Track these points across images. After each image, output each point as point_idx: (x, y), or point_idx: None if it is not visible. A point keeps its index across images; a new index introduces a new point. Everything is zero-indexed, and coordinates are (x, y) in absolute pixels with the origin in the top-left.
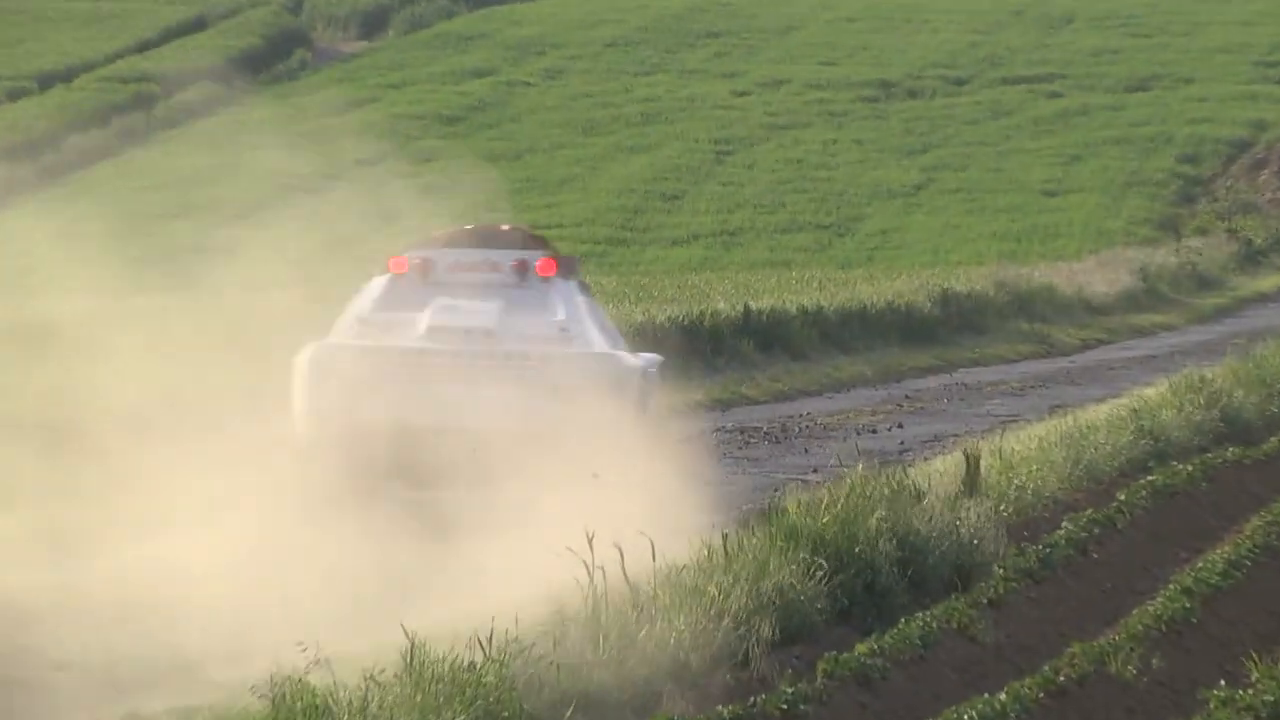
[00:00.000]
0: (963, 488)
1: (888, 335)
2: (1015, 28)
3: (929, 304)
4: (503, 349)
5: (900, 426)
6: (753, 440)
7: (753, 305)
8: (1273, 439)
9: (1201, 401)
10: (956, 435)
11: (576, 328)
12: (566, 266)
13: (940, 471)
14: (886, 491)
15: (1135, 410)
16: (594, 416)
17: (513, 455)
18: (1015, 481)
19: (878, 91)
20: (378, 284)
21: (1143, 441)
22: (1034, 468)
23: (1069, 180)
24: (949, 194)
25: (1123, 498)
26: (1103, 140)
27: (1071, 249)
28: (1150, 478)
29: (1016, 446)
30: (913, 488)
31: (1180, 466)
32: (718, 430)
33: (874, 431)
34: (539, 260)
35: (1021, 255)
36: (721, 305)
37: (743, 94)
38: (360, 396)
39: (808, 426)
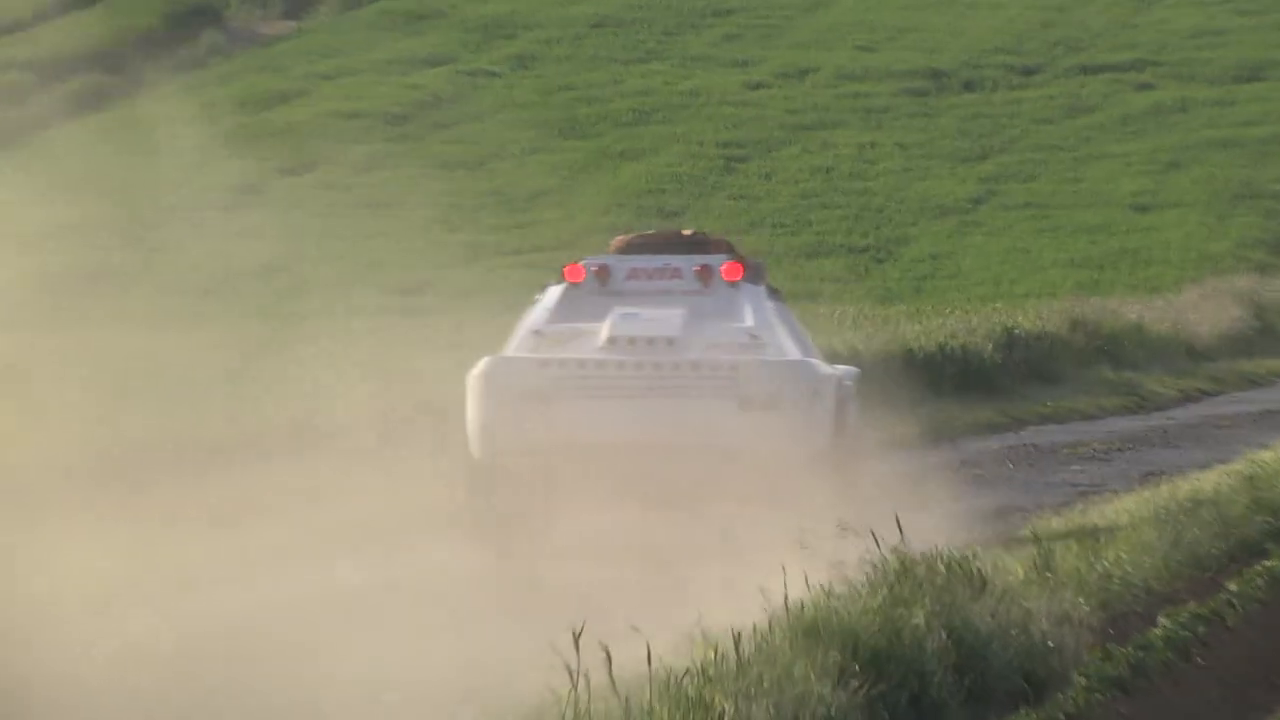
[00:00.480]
0: (1034, 575)
1: (939, 385)
2: (1096, 4)
3: (990, 347)
4: (688, 359)
5: (958, 499)
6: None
7: None
8: None
9: None
10: (1025, 509)
11: (767, 334)
12: (754, 271)
13: (1006, 554)
14: (939, 580)
15: (1249, 478)
16: (787, 429)
17: (703, 470)
18: (1099, 568)
19: (927, 83)
20: (553, 294)
21: (1259, 518)
22: (1123, 550)
23: (1164, 193)
24: (1014, 210)
25: (1234, 588)
26: (1206, 143)
27: (1168, 278)
28: (1269, 563)
29: (1100, 523)
30: (973, 574)
31: None
32: None
33: (924, 507)
34: (724, 265)
35: (1105, 286)
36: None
37: (759, 86)
38: (536, 412)
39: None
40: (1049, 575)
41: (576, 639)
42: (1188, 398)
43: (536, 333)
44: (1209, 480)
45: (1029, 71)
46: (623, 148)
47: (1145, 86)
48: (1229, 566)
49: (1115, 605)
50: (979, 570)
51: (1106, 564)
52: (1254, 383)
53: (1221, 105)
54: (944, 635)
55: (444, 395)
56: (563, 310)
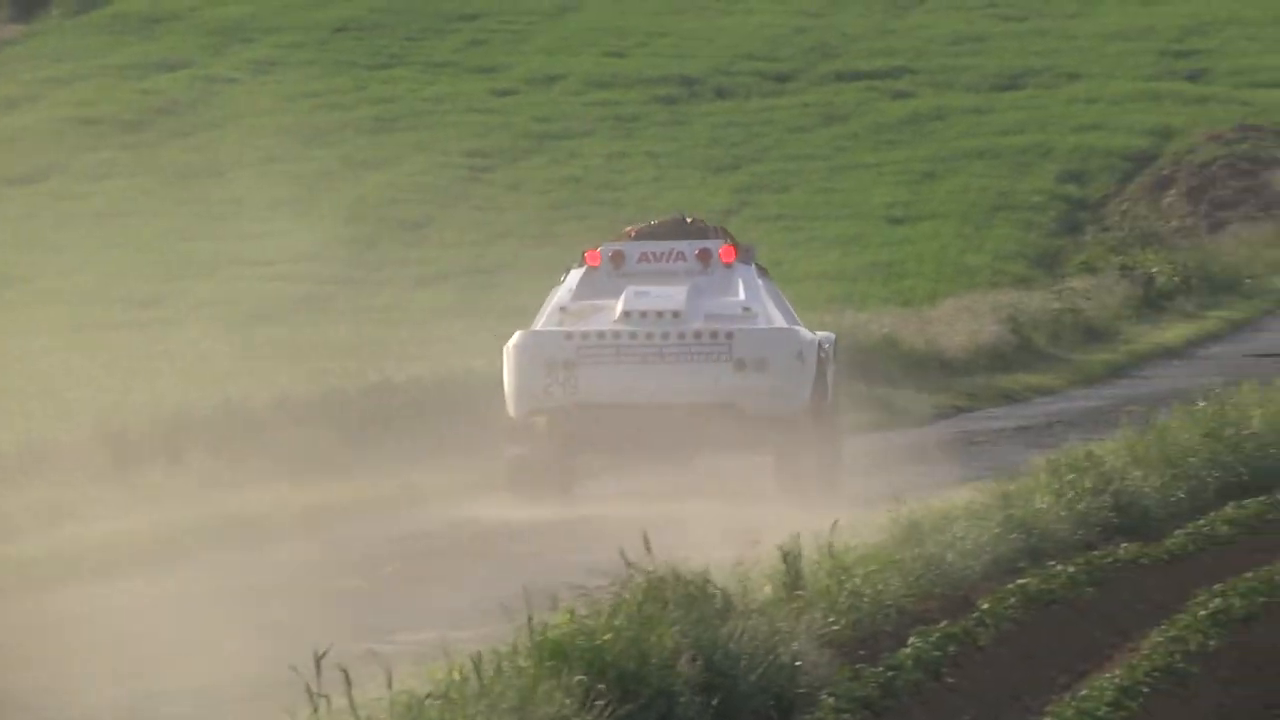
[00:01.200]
0: (784, 593)
1: None
2: (852, 9)
3: None
4: (690, 328)
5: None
6: (517, 534)
7: None
8: (1178, 533)
9: (1088, 485)
10: (775, 527)
11: (757, 306)
12: (745, 253)
13: (754, 573)
14: (685, 599)
15: (1004, 496)
16: (775, 387)
17: (704, 425)
18: (849, 586)
19: (677, 90)
20: (574, 275)
21: (1013, 536)
22: (874, 568)
23: (920, 204)
24: (767, 221)
25: (986, 607)
26: (963, 153)
27: (923, 291)
28: (1022, 582)
29: (852, 542)
30: (720, 594)
31: (1060, 568)
32: (474, 521)
33: (681, 523)
34: (721, 248)
35: (859, 299)
36: (478, 362)
37: (506, 93)
38: (561, 376)
39: (585, 517)
40: (799, 594)
41: (318, 661)
42: (942, 414)
43: (561, 309)
44: (963, 498)
45: (783, 79)
46: (365, 156)
47: (902, 94)
48: (981, 585)
49: (866, 624)
50: (727, 589)
51: (857, 582)
52: (1010, 398)
53: (980, 114)
54: (692, 656)
55: (178, 414)
56: (583, 289)
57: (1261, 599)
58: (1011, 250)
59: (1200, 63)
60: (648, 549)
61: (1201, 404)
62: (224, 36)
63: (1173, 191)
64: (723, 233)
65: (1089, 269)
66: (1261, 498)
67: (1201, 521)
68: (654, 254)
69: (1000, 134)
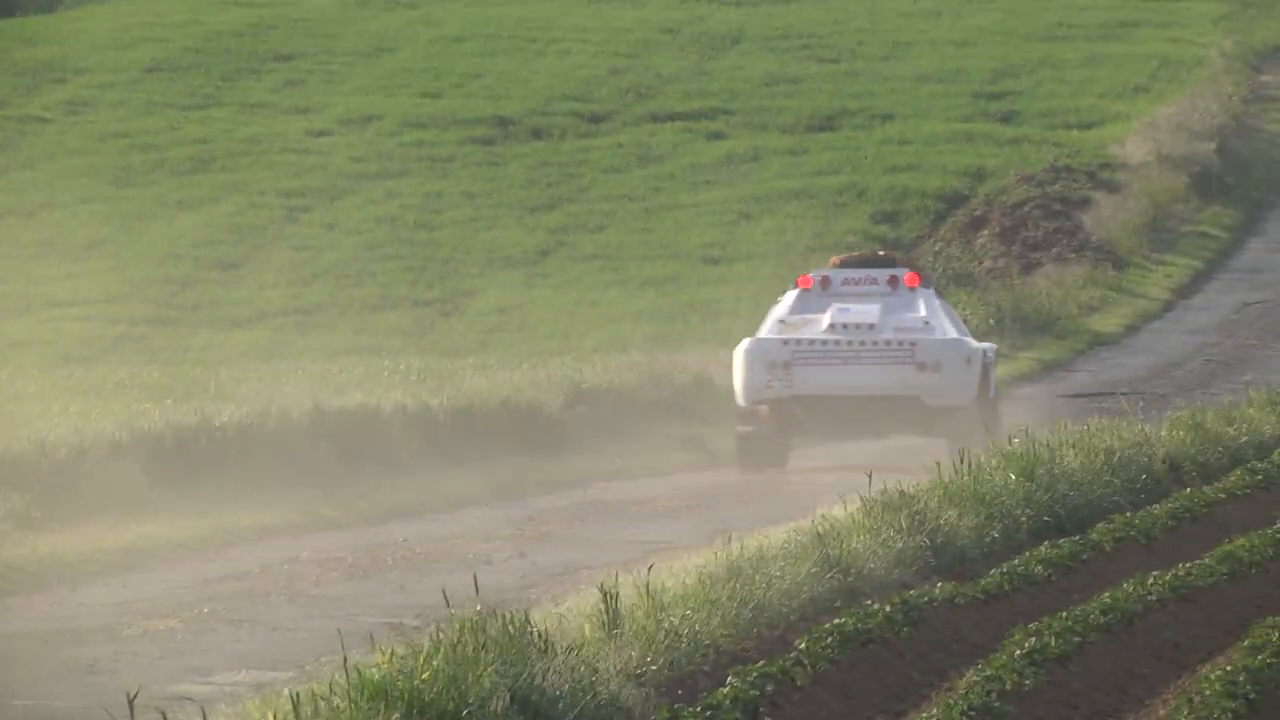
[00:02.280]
0: (602, 633)
1: (506, 440)
2: (667, 50)
3: (558, 401)
4: (883, 337)
5: (522, 556)
6: (333, 575)
7: (332, 403)
8: (993, 572)
9: (904, 525)
10: (593, 567)
11: (935, 321)
12: (926, 279)
13: (572, 613)
14: (503, 639)
15: (820, 535)
16: (948, 385)
17: (892, 413)
18: (667, 625)
19: (493, 131)
20: (790, 295)
21: (829, 575)
22: (692, 608)
23: (736, 245)
24: (583, 262)
25: (804, 646)
26: (779, 193)
27: (738, 331)
28: (838, 621)
29: (669, 582)
30: (538, 634)
31: (876, 607)
32: (290, 561)
33: (489, 562)
34: (906, 275)
35: (676, 339)
36: (292, 404)
37: (322, 134)
38: (781, 373)
39: (405, 557)
40: (617, 633)
41: (131, 702)
42: None
43: (781, 321)
44: (780, 537)
45: (598, 119)
46: (180, 196)
47: (717, 135)
48: (798, 624)
49: (683, 664)
50: (546, 629)
51: (674, 621)
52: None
53: (794, 155)
54: (509, 697)
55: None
56: (798, 306)
57: (1076, 638)
58: None
59: (1012, 104)
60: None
61: (1015, 444)
62: (34, 76)
63: (985, 232)
64: (907, 262)
65: None
66: (1075, 537)
67: (1016, 561)
68: (854, 279)
69: (815, 175)
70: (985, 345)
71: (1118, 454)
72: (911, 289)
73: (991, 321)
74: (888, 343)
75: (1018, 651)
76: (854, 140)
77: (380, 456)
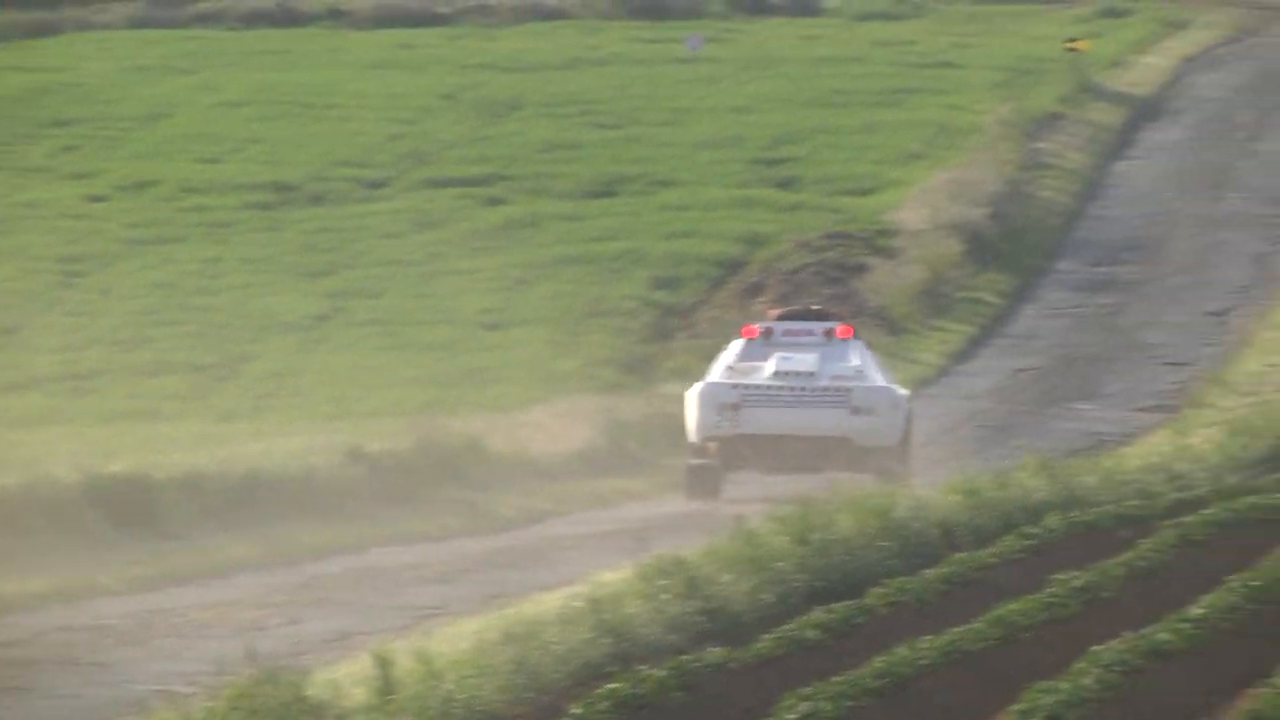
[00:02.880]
0: (376, 699)
1: (283, 506)
2: (446, 116)
3: (334, 467)
4: (820, 384)
5: (296, 622)
6: (107, 641)
7: (105, 469)
8: (766, 637)
9: (678, 590)
10: (367, 634)
11: (866, 370)
12: (856, 333)
13: (346, 680)
14: (276, 706)
15: (594, 601)
16: (878, 429)
17: (826, 452)
18: (441, 691)
19: (272, 196)
20: (736, 344)
21: (603, 640)
22: (466, 674)
23: (513, 310)
24: (360, 327)
25: (578, 712)
26: (556, 259)
27: (515, 397)
28: (612, 686)
29: (444, 648)
30: (310, 701)
31: (650, 672)
32: (63, 628)
33: (263, 629)
34: (839, 327)
35: (452, 404)
36: (65, 470)
37: (98, 199)
38: (729, 414)
39: (178, 623)
40: (390, 699)
41: None
42: (534, 518)
43: (730, 367)
44: (554, 603)
45: (376, 185)
46: None
47: (496, 201)
48: (573, 690)
49: None
50: (319, 696)
51: (449, 687)
52: (602, 503)
53: (573, 220)
54: None
55: None
56: (744, 354)
57: (850, 703)
58: (603, 357)
59: (790, 170)
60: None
61: (789, 508)
62: None
63: (763, 298)
64: (839, 317)
65: (680, 375)
66: (849, 601)
67: (790, 625)
68: (793, 330)
69: (593, 240)
70: (906, 392)
71: (891, 519)
72: (844, 340)
73: None
74: (825, 389)
75: (791, 716)
76: (633, 206)
77: (153, 522)
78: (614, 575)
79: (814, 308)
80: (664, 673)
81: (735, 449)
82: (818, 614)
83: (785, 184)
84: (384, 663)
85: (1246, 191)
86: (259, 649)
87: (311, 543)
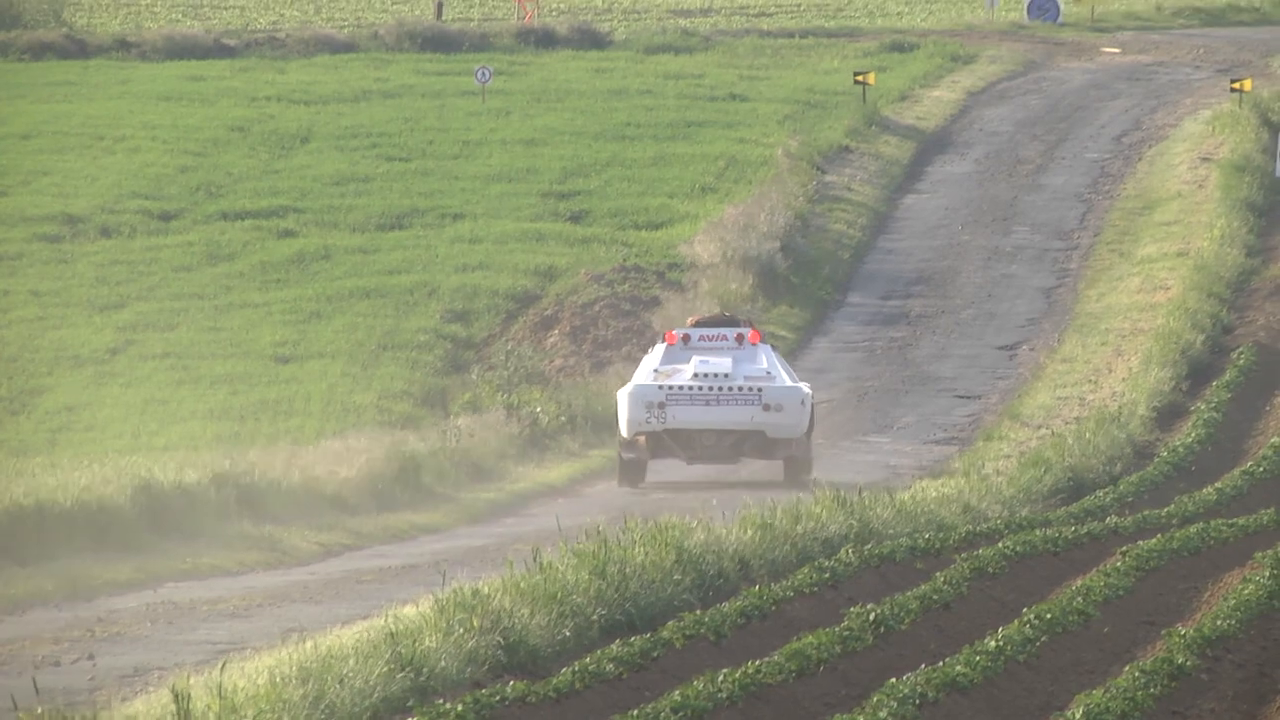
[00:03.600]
0: None
1: (76, 541)
2: (238, 148)
3: (127, 501)
4: (734, 384)
5: (91, 658)
6: None
7: None
8: (565, 670)
9: (475, 624)
10: (164, 669)
11: (775, 371)
12: (764, 338)
13: (143, 715)
14: None
15: (392, 634)
16: (786, 423)
17: (741, 443)
18: None
19: (61, 229)
20: (659, 349)
21: (401, 674)
22: (263, 708)
23: (307, 343)
24: (153, 360)
25: None
26: (349, 292)
27: (310, 430)
28: None
29: (241, 682)
30: None
31: (448, 706)
32: None
33: (57, 664)
34: (749, 333)
35: (246, 438)
36: None
37: None
38: (655, 411)
39: None
40: None
41: None
42: (330, 552)
43: (655, 370)
44: (352, 636)
45: (168, 217)
46: None
47: (288, 234)
48: None
49: None
50: None
51: None
52: (397, 537)
53: (365, 253)
54: None
55: None
56: (667, 357)
57: None
58: (398, 389)
59: (582, 204)
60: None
61: (585, 542)
62: None
63: (556, 331)
64: (749, 323)
65: (474, 408)
66: (647, 635)
67: (588, 659)
68: (709, 336)
69: (386, 273)
70: (809, 390)
71: (687, 552)
72: (754, 345)
73: (563, 419)
74: (740, 388)
75: None
76: (424, 239)
77: None
78: (411, 609)
79: (726, 315)
80: (462, 707)
81: (661, 442)
82: (615, 648)
83: (577, 217)
84: (181, 698)
85: (1033, 225)
86: (54, 685)
87: (106, 577)
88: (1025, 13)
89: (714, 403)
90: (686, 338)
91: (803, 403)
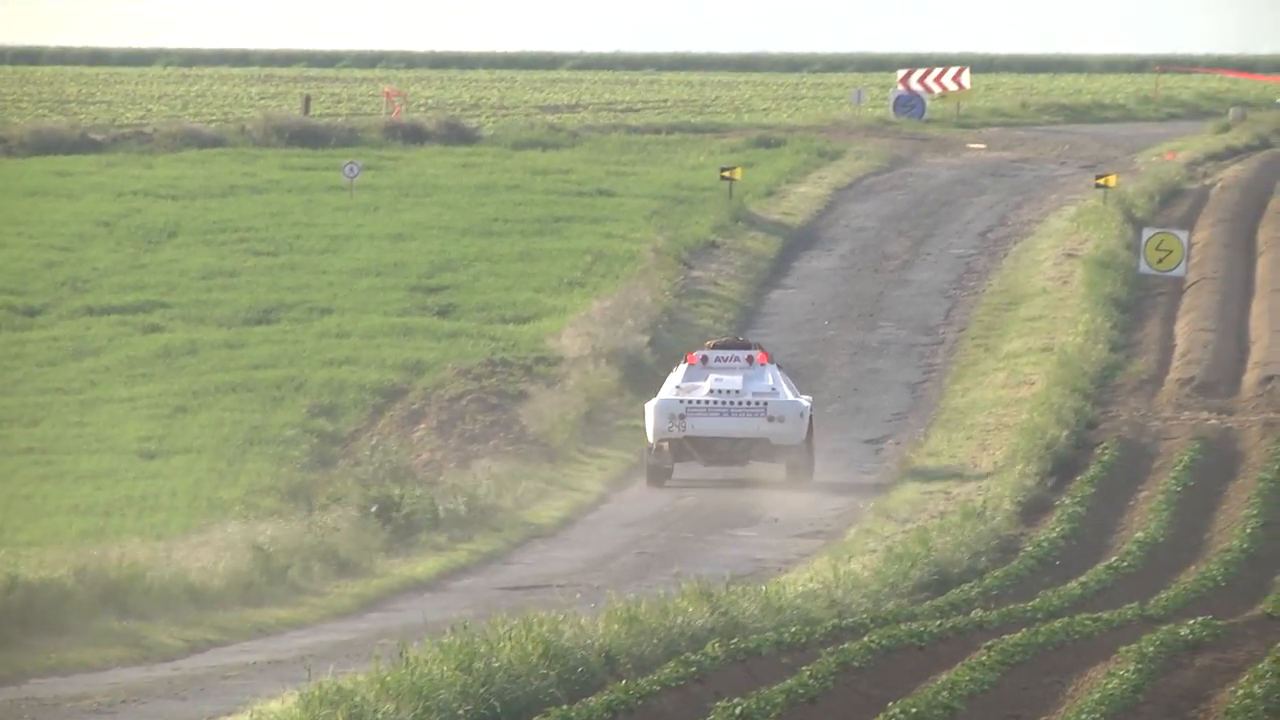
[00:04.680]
0: None
1: None
2: (104, 243)
3: None
4: (744, 398)
5: None
6: None
7: None
8: None
9: (341, 719)
10: None
11: (779, 388)
12: (770, 358)
13: None
14: None
15: None
16: (788, 432)
17: (750, 449)
18: None
19: None
20: (681, 368)
21: None
22: None
23: (173, 438)
24: (18, 456)
25: None
26: (216, 387)
27: (175, 524)
28: None
29: None
30: None
31: None
32: None
33: None
34: (758, 355)
35: (112, 533)
36: None
37: None
38: (677, 420)
39: None
40: None
41: None
42: (195, 648)
43: (677, 386)
44: None
45: (33, 312)
46: None
47: (154, 329)
48: None
49: None
50: None
51: None
52: (263, 632)
53: (231, 348)
54: None
55: None
56: (687, 375)
57: None
58: (265, 485)
59: (449, 298)
60: None
61: (451, 636)
62: None
63: (423, 425)
64: (758, 347)
65: (340, 502)
66: None
67: None
68: (723, 358)
69: (252, 368)
70: (808, 404)
71: (553, 646)
72: (762, 365)
73: (430, 514)
74: (749, 402)
75: None
76: (292, 333)
77: None
78: (277, 705)
79: (739, 339)
80: None
81: (682, 447)
82: None
83: (444, 311)
84: None
85: (899, 320)
86: None
87: None
88: (891, 109)
89: (726, 414)
90: (704, 359)
91: (802, 415)
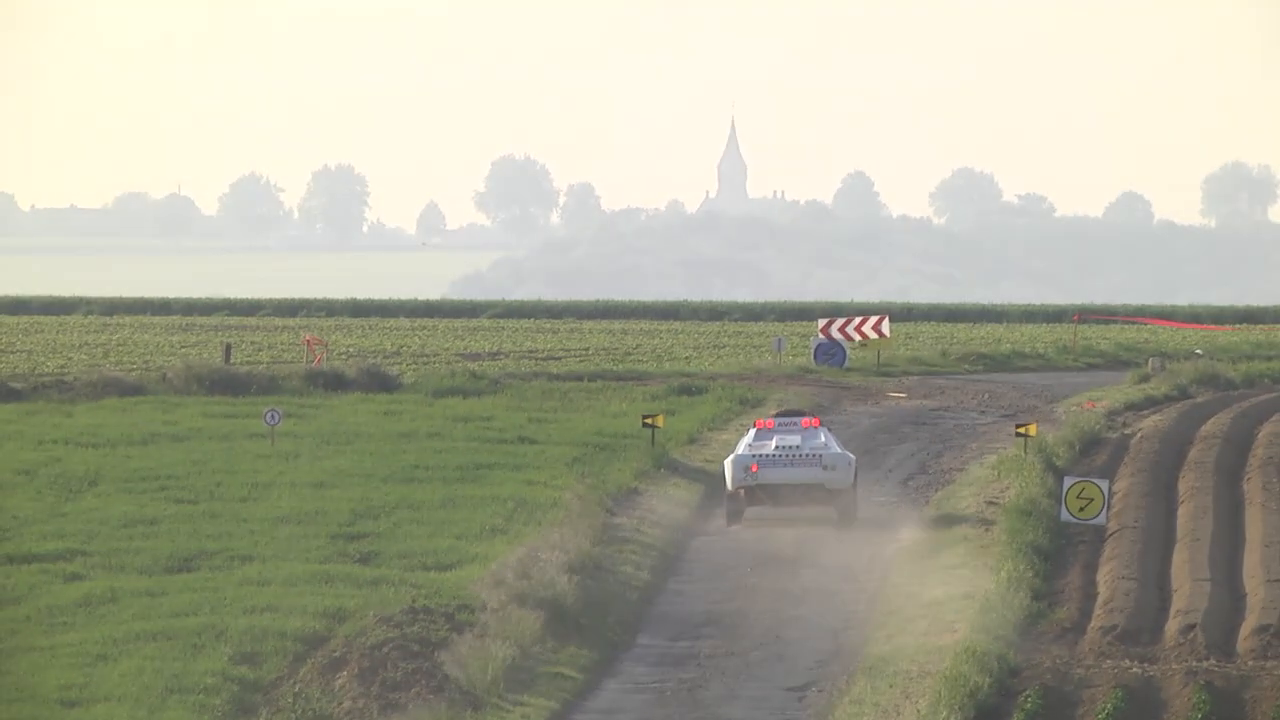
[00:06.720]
0: None
1: None
2: (24, 491)
3: None
4: (803, 453)
5: None
6: None
7: None
8: None
9: None
10: None
11: (830, 444)
12: (823, 421)
13: None
14: None
15: None
16: (839, 478)
17: (809, 493)
18: None
19: None
20: (751, 432)
21: None
22: None
23: (94, 686)
24: None
25: None
26: (137, 635)
27: None
28: None
29: None
30: None
31: None
32: None
33: None
34: (813, 419)
35: None
36: None
37: None
38: (750, 472)
39: None
40: None
41: None
42: None
43: (749, 444)
44: None
45: None
46: None
47: (75, 577)
48: None
49: None
50: None
51: None
52: None
53: (152, 596)
54: None
55: None
56: (758, 436)
57: None
58: None
59: (371, 545)
60: None
61: None
62: None
63: (345, 673)
64: (812, 413)
65: None
66: None
67: None
68: (785, 423)
69: (173, 616)
70: (854, 456)
71: None
72: (816, 427)
73: None
74: (807, 455)
75: None
76: (213, 581)
77: None
78: None
79: (796, 410)
80: None
81: (755, 493)
82: None
83: (366, 559)
84: None
85: (821, 568)
86: None
87: None
88: (812, 357)
89: (789, 465)
90: (770, 423)
91: (850, 464)
